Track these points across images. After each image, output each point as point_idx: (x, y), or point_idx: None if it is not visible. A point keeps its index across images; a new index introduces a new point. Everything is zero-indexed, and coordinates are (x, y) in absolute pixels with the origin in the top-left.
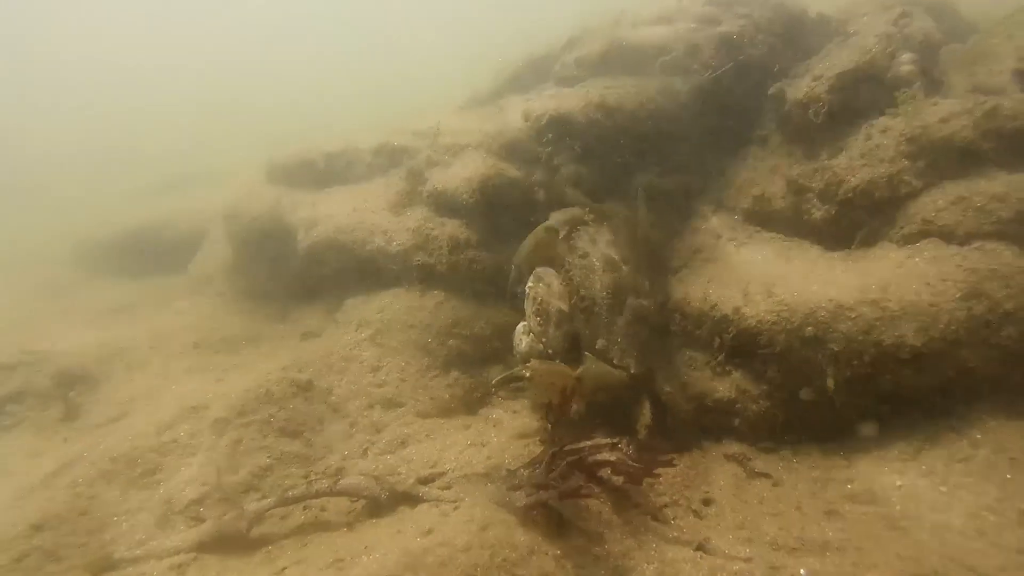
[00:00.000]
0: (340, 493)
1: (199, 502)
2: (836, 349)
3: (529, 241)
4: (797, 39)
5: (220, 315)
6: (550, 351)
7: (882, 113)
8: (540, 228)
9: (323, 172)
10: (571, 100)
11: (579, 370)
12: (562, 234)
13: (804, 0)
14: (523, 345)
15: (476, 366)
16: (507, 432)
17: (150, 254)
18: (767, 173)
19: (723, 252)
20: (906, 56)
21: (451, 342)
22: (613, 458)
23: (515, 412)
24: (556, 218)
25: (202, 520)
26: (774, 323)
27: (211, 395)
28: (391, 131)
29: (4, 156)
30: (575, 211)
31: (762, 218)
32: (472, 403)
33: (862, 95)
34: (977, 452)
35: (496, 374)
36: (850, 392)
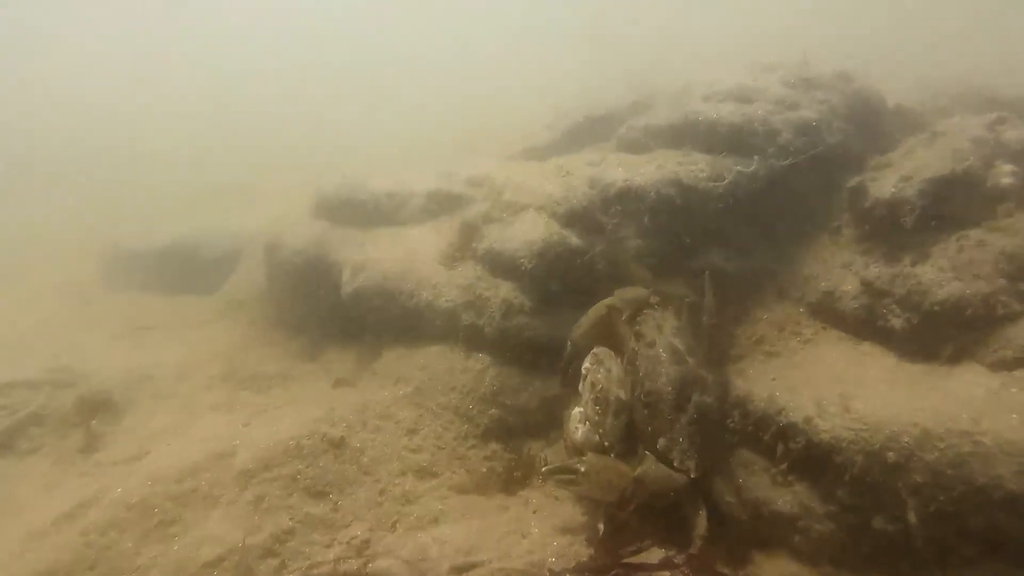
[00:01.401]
0: None
1: (214, 565)
2: (920, 480)
3: (589, 317)
4: (874, 129)
5: (250, 345)
6: (607, 443)
7: (976, 224)
8: (602, 305)
9: (372, 211)
10: (642, 173)
11: (638, 471)
12: (625, 315)
13: (882, 89)
14: (579, 435)
15: (517, 439)
16: (548, 523)
17: (182, 271)
18: (838, 268)
19: (787, 347)
20: (1007, 167)
21: (493, 411)
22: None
23: (556, 499)
24: (620, 296)
25: None
26: (852, 441)
27: (238, 442)
28: (444, 175)
29: (28, 146)
30: (640, 291)
31: (829, 315)
32: (511, 482)
33: (955, 202)
34: None
35: (538, 450)
36: (932, 528)
